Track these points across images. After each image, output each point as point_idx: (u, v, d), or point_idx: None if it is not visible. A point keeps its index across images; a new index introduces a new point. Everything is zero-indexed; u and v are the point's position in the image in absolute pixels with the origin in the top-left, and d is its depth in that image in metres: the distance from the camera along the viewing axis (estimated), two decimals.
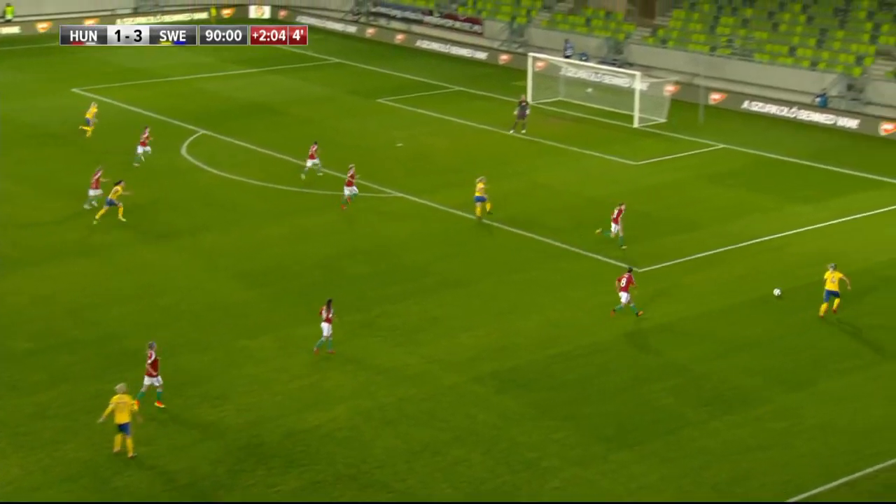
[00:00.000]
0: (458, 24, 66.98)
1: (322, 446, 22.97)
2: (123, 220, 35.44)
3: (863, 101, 49.94)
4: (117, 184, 35.72)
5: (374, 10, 72.17)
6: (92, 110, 46.12)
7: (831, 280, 28.93)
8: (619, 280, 29.16)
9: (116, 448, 22.47)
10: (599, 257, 33.15)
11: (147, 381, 24.21)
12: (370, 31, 70.58)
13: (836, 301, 29.00)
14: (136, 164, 41.36)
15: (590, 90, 52.17)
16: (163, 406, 24.19)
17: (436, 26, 68.12)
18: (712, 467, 22.15)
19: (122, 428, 22.37)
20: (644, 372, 26.08)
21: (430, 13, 68.54)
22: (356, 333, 28.10)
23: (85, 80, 56.92)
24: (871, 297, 30.25)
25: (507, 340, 27.74)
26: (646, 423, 23.81)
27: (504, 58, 62.33)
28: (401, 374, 26.09)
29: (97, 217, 35.46)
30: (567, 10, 63.84)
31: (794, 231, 35.28)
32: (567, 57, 57.48)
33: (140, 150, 41.71)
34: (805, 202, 38.23)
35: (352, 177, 37.16)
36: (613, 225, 33.64)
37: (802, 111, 49.93)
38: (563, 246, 34.12)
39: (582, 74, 54.96)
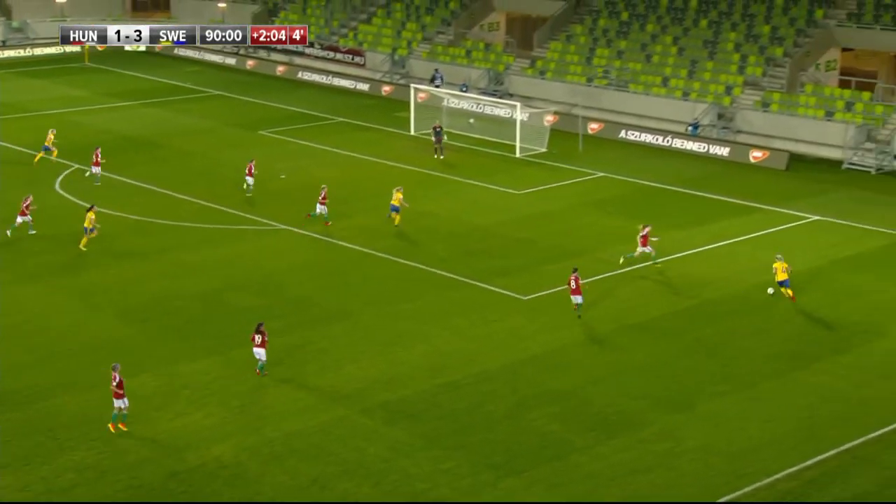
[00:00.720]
0: (339, 56, 67.06)
1: (206, 485, 22.44)
2: (84, 248, 35.57)
3: (733, 130, 51.83)
4: (89, 209, 35.76)
5: None
6: (50, 137, 46.01)
7: (781, 270, 31.49)
8: (569, 283, 30.67)
9: None
10: (484, 285, 33.43)
11: (116, 402, 24.20)
12: (250, 63, 70.03)
13: (790, 291, 31.51)
14: (97, 184, 42.85)
15: (472, 121, 52.79)
16: (126, 429, 24.23)
17: (317, 58, 68.05)
18: (600, 491, 22.44)
19: None
20: (530, 398, 26.32)
21: (312, 45, 68.43)
22: (241, 367, 27.61)
23: None
24: (744, 321, 31.24)
25: (395, 371, 27.68)
26: (533, 449, 24.01)
27: (386, 89, 62.62)
28: (287, 407, 25.74)
29: (81, 245, 35.60)
30: (447, 42, 64.58)
31: (672, 256, 36.22)
32: (437, 86, 58.20)
33: (95, 169, 43.37)
34: (681, 228, 39.32)
35: (324, 197, 38.13)
36: (640, 247, 34.31)
37: (676, 140, 51.50)
38: (448, 275, 34.30)
39: (464, 105, 55.60)
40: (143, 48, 74.72)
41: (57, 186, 43.18)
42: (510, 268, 34.94)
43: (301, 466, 23.17)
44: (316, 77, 66.07)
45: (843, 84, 52.96)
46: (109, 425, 24.45)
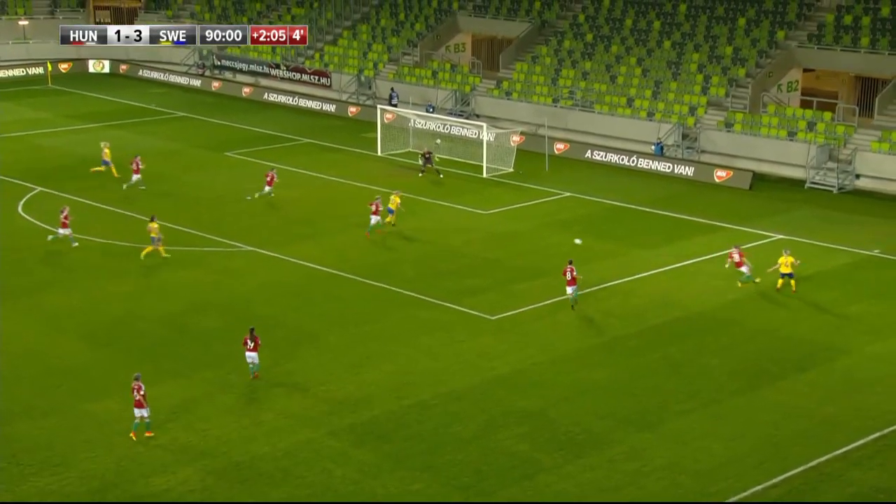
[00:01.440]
0: (305, 77, 67.05)
1: None
2: (166, 255, 36.59)
3: (697, 150, 52.32)
4: (151, 220, 36.64)
5: (218, 63, 71.53)
6: (106, 151, 46.75)
7: (785, 264, 34.37)
8: (565, 274, 32.60)
9: None
10: (452, 305, 33.43)
11: (138, 412, 24.66)
12: (216, 85, 69.84)
13: (793, 281, 34.29)
14: (142, 187, 44.84)
15: (439, 141, 52.92)
16: (152, 434, 24.75)
17: (283, 79, 68.02)
18: None
19: None
20: (499, 418, 26.31)
21: (278, 66, 68.40)
22: (207, 390, 27.42)
23: None
24: (709, 339, 31.46)
25: (362, 392, 27.58)
26: (502, 469, 23.98)
27: (353, 110, 62.68)
28: (254, 430, 25.56)
29: (163, 254, 36.59)
30: (413, 63, 64.78)
31: (639, 276, 36.43)
32: (394, 105, 58.37)
33: (136, 177, 44.87)
34: (647, 247, 39.58)
35: (377, 207, 39.63)
36: (743, 268, 34.93)
37: (642, 160, 51.89)
38: (416, 295, 34.27)
39: (431, 126, 55.75)
40: (106, 70, 74.40)
41: (20, 209, 42.76)
42: (478, 287, 34.99)
43: (268, 491, 22.99)
44: (282, 98, 66.01)
45: (805, 104, 53.65)
46: (131, 434, 24.78)
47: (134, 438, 24.75)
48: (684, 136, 52.84)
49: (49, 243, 38.33)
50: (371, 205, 39.80)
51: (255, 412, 26.48)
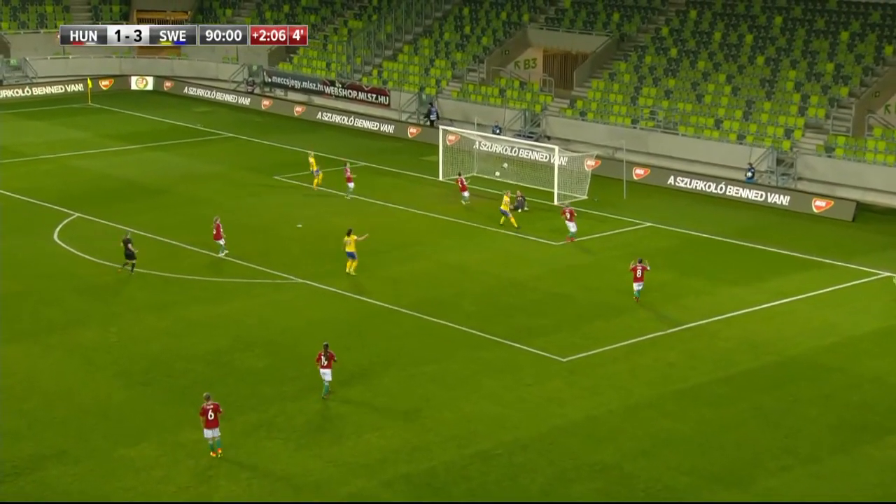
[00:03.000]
0: (362, 96, 67.77)
1: None
2: (354, 273, 38.86)
3: (793, 177, 51.75)
4: (348, 234, 38.80)
5: (269, 80, 72.65)
6: (311, 161, 50.89)
7: None
8: (634, 270, 36.17)
9: None
10: (518, 345, 33.36)
11: (209, 433, 26.30)
12: (266, 103, 70.91)
13: None
14: (349, 198, 48.97)
15: (505, 165, 53.04)
16: (220, 454, 26.33)
17: (338, 98, 68.82)
18: None
19: None
20: (570, 471, 26.13)
21: (332, 84, 69.25)
22: (251, 435, 27.64)
23: None
24: (807, 387, 30.96)
25: (420, 439, 27.59)
26: None
27: (413, 131, 63.15)
28: (302, 479, 25.70)
29: (350, 270, 38.91)
30: (479, 81, 65.14)
31: (727, 315, 36.04)
32: (432, 120, 58.50)
33: (351, 185, 49.13)
34: (737, 284, 39.16)
35: (572, 213, 43.21)
36: None
37: (730, 187, 51.46)
38: (479, 333, 34.27)
39: (497, 148, 55.91)
40: (150, 87, 75.98)
41: (55, 236, 43.69)
42: (547, 326, 34.88)
43: None
44: (337, 118, 66.78)
45: None
46: (211, 453, 26.35)
47: (214, 455, 26.28)
48: (779, 162, 52.30)
49: (88, 275, 39.12)
50: (565, 212, 43.21)
51: (303, 459, 26.61)
